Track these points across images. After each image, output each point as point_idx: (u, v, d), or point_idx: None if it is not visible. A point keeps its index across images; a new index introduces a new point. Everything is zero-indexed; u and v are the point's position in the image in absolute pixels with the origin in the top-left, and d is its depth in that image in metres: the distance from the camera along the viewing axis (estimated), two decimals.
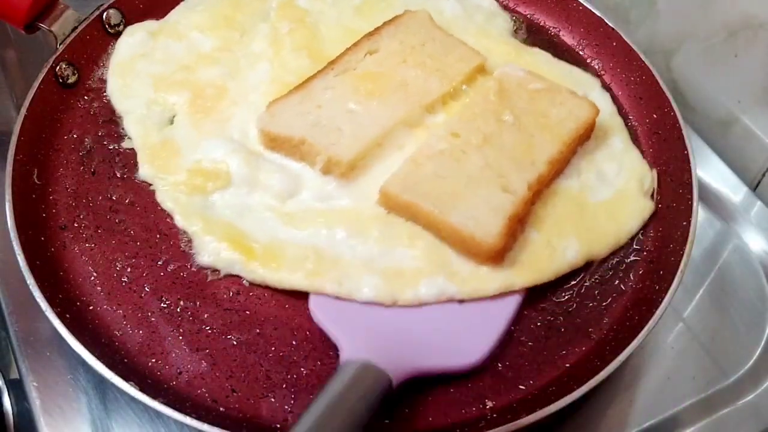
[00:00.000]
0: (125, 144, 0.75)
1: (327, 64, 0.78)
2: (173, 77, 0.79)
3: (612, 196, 0.74)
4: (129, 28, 0.83)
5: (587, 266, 0.70)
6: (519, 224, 0.68)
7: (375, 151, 0.73)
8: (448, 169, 0.70)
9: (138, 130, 0.75)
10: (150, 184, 0.72)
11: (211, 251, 0.67)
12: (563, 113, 0.76)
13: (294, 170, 0.72)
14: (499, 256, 0.66)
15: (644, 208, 0.74)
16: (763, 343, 0.72)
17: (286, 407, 0.60)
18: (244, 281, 0.66)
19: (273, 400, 0.60)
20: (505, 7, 0.92)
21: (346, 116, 0.74)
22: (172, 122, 0.76)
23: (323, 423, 0.52)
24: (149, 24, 0.83)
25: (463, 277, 0.66)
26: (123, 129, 0.76)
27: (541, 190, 0.72)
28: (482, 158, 0.71)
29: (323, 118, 0.73)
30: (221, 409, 0.59)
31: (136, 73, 0.79)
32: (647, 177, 0.76)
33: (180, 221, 0.69)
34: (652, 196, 0.76)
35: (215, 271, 0.67)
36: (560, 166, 0.74)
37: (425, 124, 0.76)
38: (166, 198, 0.70)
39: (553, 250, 0.69)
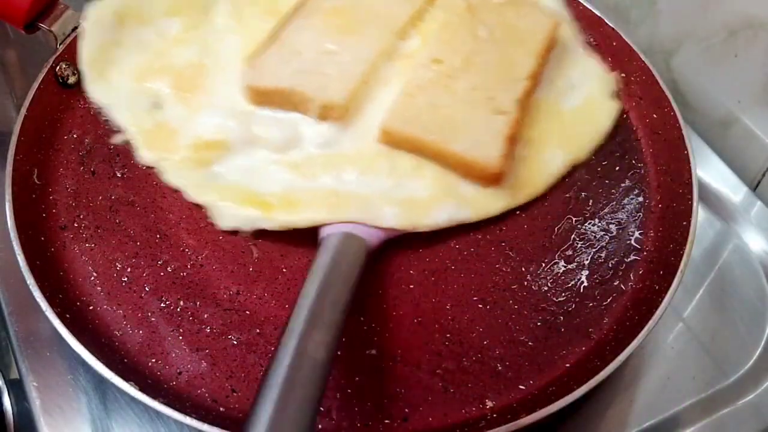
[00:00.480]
0: (117, 138, 0.74)
1: (291, 13, 0.79)
2: (151, 65, 0.78)
3: (583, 101, 0.79)
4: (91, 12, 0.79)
5: (588, 265, 0.70)
6: (514, 142, 0.70)
7: (363, 89, 0.74)
8: (440, 97, 0.72)
9: (128, 119, 0.75)
10: (151, 176, 0.72)
11: (231, 215, 0.68)
12: (530, 24, 0.79)
13: (289, 120, 0.73)
14: (502, 176, 0.69)
15: (612, 108, 0.80)
16: (763, 343, 0.72)
17: None
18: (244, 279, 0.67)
19: None
20: None
21: (326, 58, 0.74)
22: (158, 106, 0.76)
23: (325, 290, 0.57)
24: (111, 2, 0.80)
25: (470, 200, 0.69)
26: (113, 123, 0.75)
27: (526, 105, 0.74)
28: (468, 81, 0.73)
29: (305, 63, 0.74)
30: (221, 409, 0.59)
31: (113, 66, 0.78)
32: (608, 80, 0.81)
33: (192, 196, 0.70)
34: (618, 97, 0.81)
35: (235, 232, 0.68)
36: (538, 79, 0.76)
37: (403, 53, 0.77)
38: (172, 177, 0.71)
39: (544, 163, 0.73)
